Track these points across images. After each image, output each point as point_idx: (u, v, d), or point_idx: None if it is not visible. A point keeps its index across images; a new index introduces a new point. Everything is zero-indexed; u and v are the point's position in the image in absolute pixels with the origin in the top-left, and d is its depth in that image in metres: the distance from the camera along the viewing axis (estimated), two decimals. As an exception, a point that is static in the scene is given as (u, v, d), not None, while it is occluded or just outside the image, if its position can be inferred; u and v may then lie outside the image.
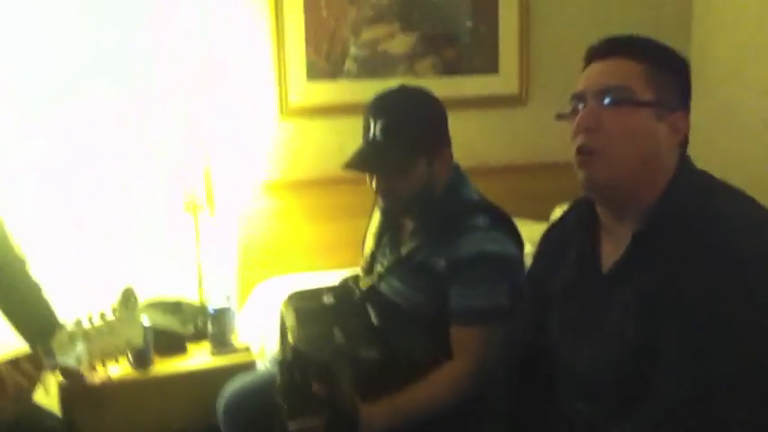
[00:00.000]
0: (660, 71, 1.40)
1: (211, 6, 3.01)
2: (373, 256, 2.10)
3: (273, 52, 3.10)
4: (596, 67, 1.44)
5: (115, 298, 1.78)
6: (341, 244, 3.06)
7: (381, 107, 1.94)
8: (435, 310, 1.88)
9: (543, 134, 3.34)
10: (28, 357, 1.71)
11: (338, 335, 1.89)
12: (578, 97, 1.44)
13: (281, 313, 2.09)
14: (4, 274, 2.16)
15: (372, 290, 2.03)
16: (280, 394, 1.78)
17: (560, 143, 3.12)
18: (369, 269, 2.09)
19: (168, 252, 3.00)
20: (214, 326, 2.63)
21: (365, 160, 1.93)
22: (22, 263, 2.20)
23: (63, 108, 2.86)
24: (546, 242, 1.70)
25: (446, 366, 1.84)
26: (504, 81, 3.38)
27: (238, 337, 2.73)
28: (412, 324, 1.91)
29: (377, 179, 1.94)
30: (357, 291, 2.08)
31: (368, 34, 3.20)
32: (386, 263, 2.02)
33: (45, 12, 2.80)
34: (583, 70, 1.47)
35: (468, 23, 3.31)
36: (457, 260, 1.85)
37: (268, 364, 2.53)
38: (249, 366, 2.54)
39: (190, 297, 2.85)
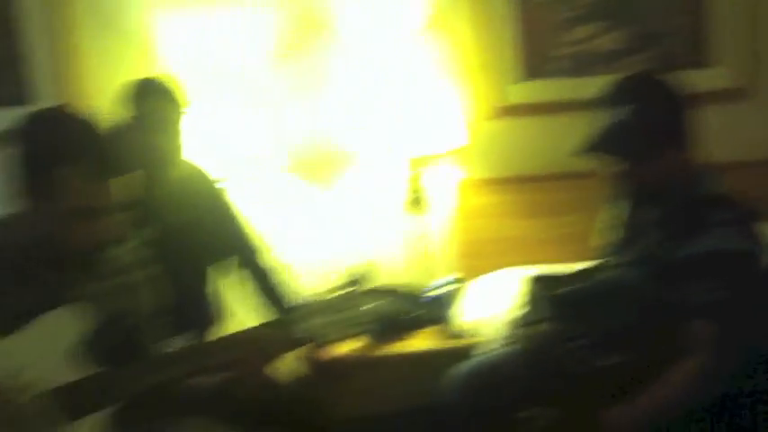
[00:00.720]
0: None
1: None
2: (613, 249, 2.12)
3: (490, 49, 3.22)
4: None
5: (355, 275, 1.95)
6: (557, 239, 3.16)
7: (629, 90, 1.97)
8: (672, 304, 1.88)
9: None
10: (269, 332, 1.85)
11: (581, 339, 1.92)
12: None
13: (531, 291, 2.13)
14: (244, 262, 2.49)
15: (615, 282, 2.03)
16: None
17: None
18: (610, 261, 2.12)
19: (394, 242, 3.24)
20: (435, 312, 2.80)
21: (613, 141, 1.94)
22: (259, 250, 2.52)
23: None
24: None
25: (686, 363, 1.82)
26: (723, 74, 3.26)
27: (460, 324, 2.89)
28: (650, 318, 1.91)
29: (620, 163, 1.95)
30: (602, 282, 2.08)
31: (580, 33, 3.25)
32: (627, 256, 2.04)
33: None
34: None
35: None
36: (698, 255, 1.84)
37: (487, 349, 2.66)
38: (470, 351, 2.68)
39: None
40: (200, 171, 2.50)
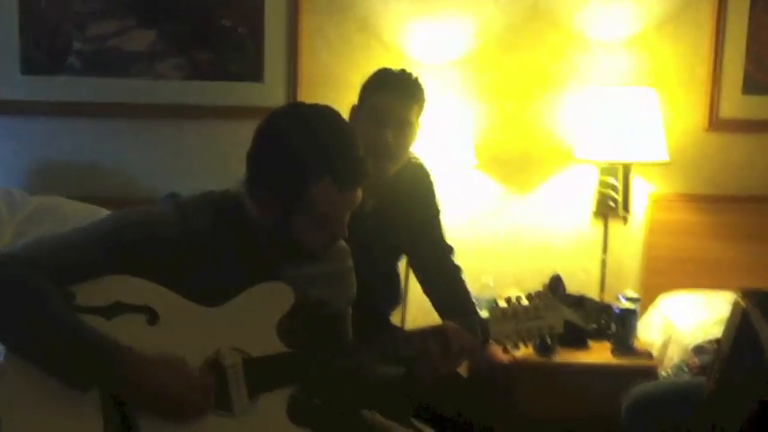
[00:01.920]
0: None
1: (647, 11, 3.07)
2: None
3: (708, 65, 3.07)
4: None
5: (543, 284, 1.93)
6: (756, 266, 2.96)
7: None
8: None
9: None
10: (461, 329, 1.80)
11: None
12: None
13: (740, 306, 2.00)
14: (432, 260, 2.46)
15: None
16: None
17: None
18: None
19: (574, 252, 3.14)
20: (617, 326, 2.71)
21: None
22: (447, 250, 2.48)
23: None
24: None
25: None
26: None
27: (639, 341, 2.78)
28: None
29: None
30: None
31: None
32: None
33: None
34: None
35: None
36: None
37: (669, 372, 2.54)
38: (650, 371, 2.58)
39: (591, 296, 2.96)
40: (421, 167, 2.48)
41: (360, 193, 1.65)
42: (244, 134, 1.71)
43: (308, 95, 3.07)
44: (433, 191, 2.48)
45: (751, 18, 3.02)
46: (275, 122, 1.64)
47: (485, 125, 3.12)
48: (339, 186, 1.59)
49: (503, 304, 1.86)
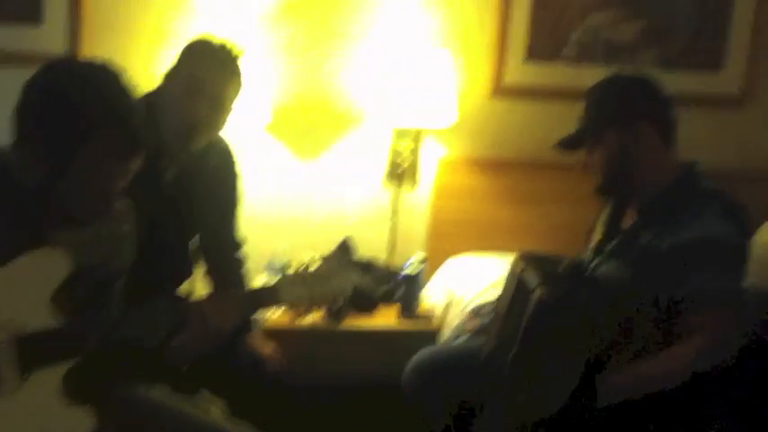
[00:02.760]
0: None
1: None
2: (600, 244, 2.12)
3: (496, 30, 3.11)
4: None
5: (332, 249, 1.90)
6: (539, 229, 3.10)
7: (593, 86, 2.09)
8: (654, 292, 1.89)
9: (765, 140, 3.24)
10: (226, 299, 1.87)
11: (583, 298, 1.91)
12: None
13: (517, 266, 2.09)
14: (218, 250, 2.38)
15: (604, 274, 2.03)
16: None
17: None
18: (595, 255, 2.11)
19: (365, 216, 3.14)
20: (404, 291, 2.74)
21: (565, 139, 2.09)
22: (236, 245, 2.40)
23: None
24: None
25: (688, 342, 1.85)
26: (725, 79, 3.23)
27: (424, 306, 2.83)
28: (628, 306, 1.92)
29: (585, 154, 2.06)
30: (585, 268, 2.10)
31: (593, 20, 3.15)
32: (614, 251, 2.05)
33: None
34: None
35: (696, 14, 3.18)
36: (684, 243, 1.87)
37: (449, 335, 2.63)
38: (432, 335, 2.63)
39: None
40: (229, 153, 2.36)
41: (137, 162, 1.58)
42: (17, 84, 1.56)
43: (92, 41, 2.84)
44: (237, 179, 2.39)
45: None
46: (48, 77, 1.53)
47: (278, 81, 3.01)
48: (111, 153, 1.52)
49: (294, 269, 1.84)
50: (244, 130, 2.85)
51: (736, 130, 3.29)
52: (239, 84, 2.20)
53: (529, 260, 2.06)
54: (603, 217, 2.17)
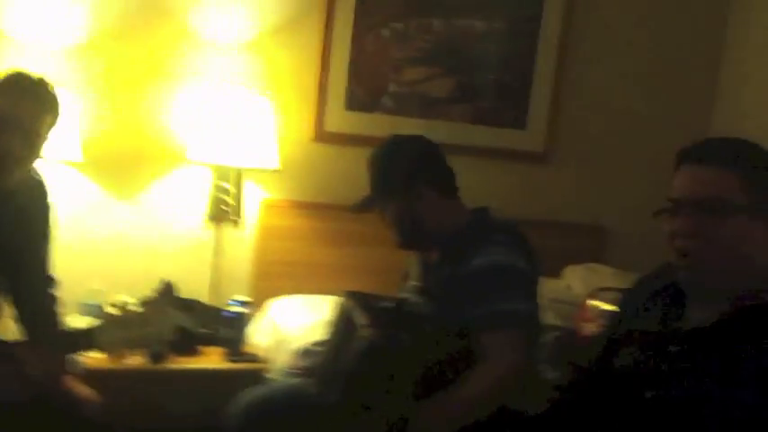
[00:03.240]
0: (756, 175, 1.49)
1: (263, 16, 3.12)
2: (417, 284, 2.21)
3: (316, 78, 3.20)
4: (690, 173, 1.52)
5: (152, 290, 1.85)
6: (361, 270, 3.16)
7: (373, 155, 2.21)
8: (459, 319, 1.97)
9: (565, 193, 3.49)
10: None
11: (406, 338, 1.96)
12: (674, 202, 1.53)
13: (343, 305, 2.15)
14: (29, 288, 2.21)
15: (416, 308, 2.12)
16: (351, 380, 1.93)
17: (580, 204, 3.26)
18: (413, 294, 2.20)
19: (186, 256, 3.09)
20: (229, 331, 2.71)
21: (365, 204, 2.22)
22: (48, 282, 2.26)
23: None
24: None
25: (479, 370, 1.91)
26: (530, 137, 3.50)
27: (250, 346, 2.82)
28: (442, 336, 1.99)
29: (381, 211, 2.19)
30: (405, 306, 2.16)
31: (409, 74, 3.32)
32: (421, 285, 2.16)
33: None
34: (675, 169, 1.55)
35: (504, 76, 3.43)
36: (473, 270, 1.98)
37: (278, 376, 2.62)
38: (260, 375, 2.62)
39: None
40: (39, 183, 2.21)
41: None
42: None
43: None
44: (48, 213, 2.25)
45: (354, 37, 3.22)
46: None
47: (94, 119, 2.92)
48: None
49: (112, 311, 1.79)
50: (55, 167, 2.74)
51: (540, 183, 3.55)
52: (55, 115, 2.10)
53: (356, 298, 2.12)
54: (417, 259, 2.27)
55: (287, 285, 3.11)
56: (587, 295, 2.81)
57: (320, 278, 3.14)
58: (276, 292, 3.09)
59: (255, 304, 3.01)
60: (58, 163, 2.75)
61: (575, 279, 3.19)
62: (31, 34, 2.83)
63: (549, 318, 2.48)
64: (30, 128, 2.03)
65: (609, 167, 3.63)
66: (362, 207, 2.21)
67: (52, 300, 2.25)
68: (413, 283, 2.23)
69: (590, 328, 2.66)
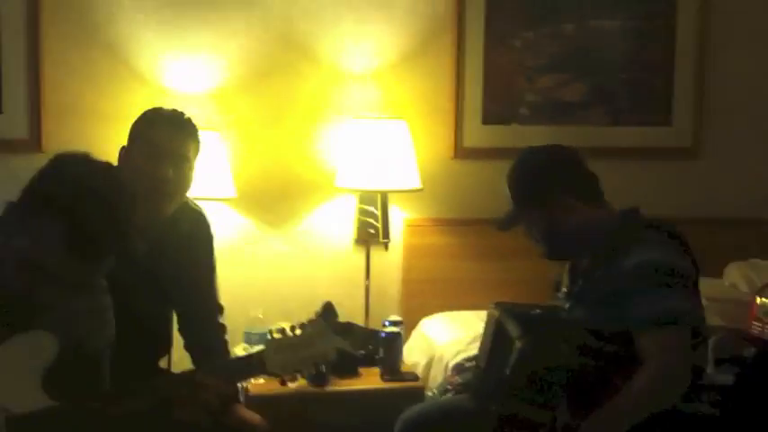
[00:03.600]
0: None
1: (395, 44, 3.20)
2: (569, 292, 2.19)
3: (452, 96, 3.25)
4: None
5: (314, 313, 1.93)
6: (506, 283, 3.15)
7: (510, 170, 2.20)
8: (619, 322, 1.94)
9: (716, 188, 3.37)
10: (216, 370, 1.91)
11: (562, 346, 1.96)
12: None
13: (494, 317, 2.16)
14: (198, 317, 2.35)
15: (570, 316, 2.11)
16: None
17: (735, 197, 3.12)
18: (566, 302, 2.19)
19: (339, 280, 3.17)
20: (385, 351, 2.77)
21: (509, 220, 2.21)
22: (216, 310, 2.38)
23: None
24: None
25: (643, 372, 1.87)
26: (676, 133, 3.40)
27: (405, 365, 2.87)
28: (599, 340, 1.96)
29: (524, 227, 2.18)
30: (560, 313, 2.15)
31: (543, 82, 3.30)
32: (574, 297, 2.13)
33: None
34: None
35: (641, 74, 3.36)
36: (629, 270, 1.94)
37: (434, 392, 2.65)
38: (417, 393, 2.66)
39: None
40: (199, 213, 2.37)
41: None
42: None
43: (54, 126, 2.88)
44: (211, 243, 2.39)
45: (486, 51, 3.24)
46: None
47: (244, 156, 3.08)
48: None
49: (276, 335, 1.86)
50: (211, 204, 2.90)
51: (691, 178, 3.43)
52: (198, 142, 2.24)
53: (506, 309, 2.12)
54: (567, 266, 2.24)
55: (436, 302, 3.15)
56: (755, 292, 2.69)
57: (468, 293, 3.17)
58: (426, 310, 3.13)
59: (407, 323, 3.06)
60: (214, 200, 2.92)
61: (738, 277, 3.06)
62: (180, 80, 3.02)
63: (711, 318, 2.39)
64: (177, 152, 2.18)
65: (762, 157, 3.46)
66: (507, 224, 2.20)
67: (221, 328, 2.38)
68: (564, 290, 2.21)
69: (760, 328, 2.54)
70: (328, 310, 1.94)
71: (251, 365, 1.87)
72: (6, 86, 2.87)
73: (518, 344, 1.96)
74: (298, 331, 1.87)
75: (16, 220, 1.60)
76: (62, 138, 2.83)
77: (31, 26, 2.85)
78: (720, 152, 3.44)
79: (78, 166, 1.67)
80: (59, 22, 2.90)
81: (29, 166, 1.75)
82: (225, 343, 2.37)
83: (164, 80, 3.01)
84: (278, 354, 1.83)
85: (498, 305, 2.18)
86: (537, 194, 2.12)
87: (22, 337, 1.56)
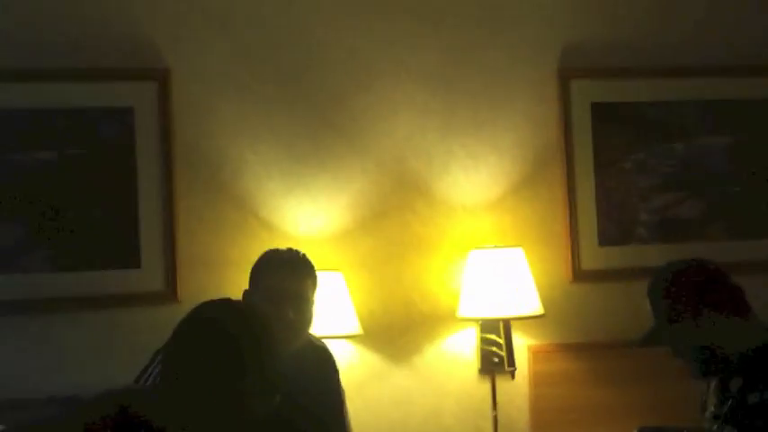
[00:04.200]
0: None
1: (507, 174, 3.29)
2: (716, 412, 2.12)
3: (566, 221, 3.29)
4: None
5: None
6: (637, 408, 3.08)
7: (652, 284, 2.18)
8: None
9: None
10: None
11: None
12: None
13: None
14: None
15: None
16: None
17: None
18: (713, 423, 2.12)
19: (466, 411, 3.16)
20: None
21: (652, 337, 2.16)
22: None
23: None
24: None
25: None
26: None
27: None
28: None
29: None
30: None
31: (657, 201, 3.32)
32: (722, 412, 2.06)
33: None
34: None
35: (754, 186, 3.35)
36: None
37: None
38: None
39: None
40: (324, 350, 2.45)
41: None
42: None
43: (187, 276, 3.04)
44: (337, 376, 2.45)
45: (596, 177, 3.30)
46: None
47: (366, 294, 3.17)
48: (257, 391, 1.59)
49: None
50: (339, 343, 2.98)
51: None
52: (315, 278, 2.33)
53: None
54: (714, 384, 2.17)
55: (566, 430, 3.09)
56: None
57: (599, 421, 3.11)
58: (558, 439, 3.07)
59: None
60: (339, 338, 3.00)
61: None
62: (302, 225, 3.17)
63: None
64: (296, 292, 2.26)
65: None
66: (650, 341, 2.17)
67: None
68: (712, 410, 2.14)
69: None
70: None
71: None
72: (144, 242, 3.06)
73: None
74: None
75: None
76: (196, 287, 2.99)
77: (165, 183, 3.07)
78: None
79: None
80: (191, 179, 3.11)
81: (167, 317, 1.82)
82: None
83: (288, 226, 3.16)
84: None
85: (644, 429, 2.12)
86: (684, 308, 2.08)
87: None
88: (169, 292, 3.06)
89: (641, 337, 2.18)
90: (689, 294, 2.09)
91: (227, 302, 1.72)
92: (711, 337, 2.05)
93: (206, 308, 1.67)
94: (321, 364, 2.42)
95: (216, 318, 1.63)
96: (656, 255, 3.23)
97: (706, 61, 3.38)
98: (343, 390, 2.46)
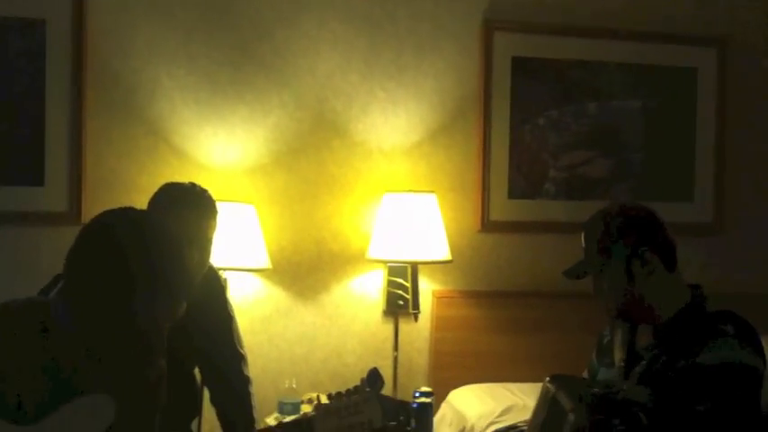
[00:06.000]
0: None
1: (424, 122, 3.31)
2: (626, 367, 2.13)
3: (479, 172, 3.34)
4: None
5: (361, 378, 1.96)
6: (535, 356, 3.20)
7: (592, 218, 2.12)
8: (678, 411, 1.92)
9: (736, 265, 3.44)
10: None
11: (618, 424, 1.92)
12: None
13: (549, 390, 2.11)
14: (221, 368, 2.38)
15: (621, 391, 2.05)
16: None
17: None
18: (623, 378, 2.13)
19: (368, 351, 3.22)
20: (417, 421, 2.77)
21: (579, 268, 2.09)
22: (238, 359, 2.42)
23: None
24: None
25: None
26: (697, 209, 3.48)
27: (436, 436, 2.87)
28: (659, 426, 1.93)
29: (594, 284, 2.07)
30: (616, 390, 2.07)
31: (568, 159, 3.41)
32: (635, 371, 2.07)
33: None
34: None
35: (661, 152, 3.47)
36: (701, 367, 1.90)
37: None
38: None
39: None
40: (214, 272, 2.41)
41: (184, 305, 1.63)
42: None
43: (93, 199, 2.96)
44: (226, 296, 2.45)
45: (511, 131, 3.36)
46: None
47: (277, 229, 3.16)
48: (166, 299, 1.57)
49: (324, 400, 1.88)
50: (242, 276, 2.97)
51: (712, 255, 3.48)
52: (217, 218, 2.27)
53: (560, 382, 2.08)
54: (619, 338, 2.16)
55: (464, 374, 3.18)
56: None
57: (495, 366, 3.20)
58: (454, 381, 3.16)
59: (435, 394, 3.07)
60: (248, 271, 2.99)
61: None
62: (217, 156, 3.12)
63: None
64: (197, 237, 2.21)
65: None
66: (576, 272, 2.09)
67: (245, 379, 2.39)
68: (621, 365, 2.14)
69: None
70: (374, 376, 1.97)
71: (300, 429, 1.88)
72: (49, 160, 2.96)
73: (571, 416, 1.95)
74: (343, 398, 1.90)
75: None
76: (101, 210, 2.88)
77: (74, 101, 2.96)
78: (739, 230, 3.52)
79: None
80: (102, 99, 3.01)
81: (69, 238, 1.70)
82: (249, 395, 2.39)
83: (201, 155, 3.11)
84: (327, 420, 1.84)
85: (554, 378, 2.12)
86: (624, 242, 2.01)
87: (81, 401, 1.56)
88: (73, 213, 2.97)
89: (571, 268, 2.11)
90: (635, 228, 2.03)
91: (125, 211, 1.64)
92: (641, 277, 2.00)
93: (105, 215, 1.62)
94: (211, 284, 2.39)
95: (109, 224, 1.59)
96: (561, 211, 3.36)
97: (635, 27, 3.44)
98: (230, 306, 2.46)
